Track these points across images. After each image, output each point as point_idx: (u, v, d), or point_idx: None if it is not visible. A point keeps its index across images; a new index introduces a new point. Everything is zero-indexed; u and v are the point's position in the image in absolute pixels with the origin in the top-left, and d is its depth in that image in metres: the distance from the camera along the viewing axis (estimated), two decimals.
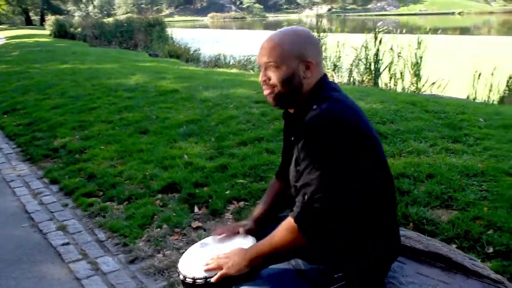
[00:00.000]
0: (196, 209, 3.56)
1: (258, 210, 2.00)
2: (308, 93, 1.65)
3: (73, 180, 4.29)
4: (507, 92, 8.33)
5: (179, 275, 1.77)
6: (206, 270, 1.69)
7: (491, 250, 2.64)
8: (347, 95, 1.68)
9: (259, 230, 1.91)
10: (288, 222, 1.57)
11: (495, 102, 8.10)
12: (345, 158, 1.52)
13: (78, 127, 5.82)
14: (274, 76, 1.64)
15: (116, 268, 2.95)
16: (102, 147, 4.98)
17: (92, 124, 5.86)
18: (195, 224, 3.37)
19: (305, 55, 1.63)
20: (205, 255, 1.83)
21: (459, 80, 9.14)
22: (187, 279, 1.72)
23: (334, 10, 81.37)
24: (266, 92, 1.71)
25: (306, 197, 1.51)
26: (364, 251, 1.66)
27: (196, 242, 3.14)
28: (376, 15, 72.11)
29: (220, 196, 3.63)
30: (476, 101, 8.13)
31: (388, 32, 11.31)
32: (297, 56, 1.62)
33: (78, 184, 4.17)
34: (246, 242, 1.82)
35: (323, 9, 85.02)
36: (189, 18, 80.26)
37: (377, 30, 10.40)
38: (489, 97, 8.48)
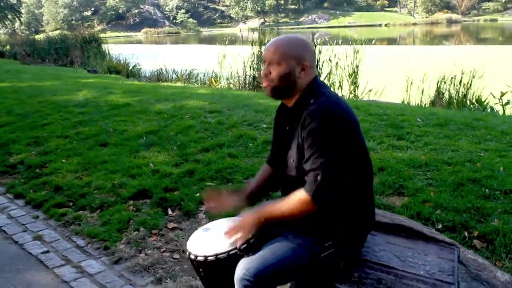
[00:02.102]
0: (170, 212, 3.76)
1: (250, 188, 2.30)
2: (304, 90, 1.98)
3: (39, 193, 4.33)
4: (436, 96, 9.07)
5: (189, 255, 1.99)
6: (231, 243, 1.95)
7: (440, 226, 3.04)
8: (336, 94, 2.02)
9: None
10: (303, 195, 1.87)
11: (427, 105, 8.81)
12: (345, 144, 1.86)
13: (33, 143, 5.80)
14: (274, 71, 1.95)
15: (102, 269, 3.10)
16: (64, 160, 5.03)
17: (47, 140, 5.86)
18: (171, 225, 3.57)
19: (302, 59, 1.96)
20: (209, 237, 2.07)
21: (393, 87, 9.84)
22: (198, 257, 1.95)
23: (267, 23, 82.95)
24: (265, 83, 2.02)
25: (318, 177, 1.83)
26: (351, 222, 1.99)
27: (175, 241, 3.38)
28: (308, 27, 74.44)
29: (191, 199, 3.85)
30: (411, 104, 8.81)
31: (324, 43, 11.92)
32: (295, 58, 1.94)
33: (45, 197, 4.23)
34: None
35: (256, 22, 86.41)
36: (122, 34, 79.06)
37: (315, 41, 10.97)
38: (421, 100, 9.21)
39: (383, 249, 2.24)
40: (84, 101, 7.89)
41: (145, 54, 24.50)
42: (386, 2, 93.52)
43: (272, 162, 2.31)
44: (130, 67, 17.74)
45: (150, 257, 3.16)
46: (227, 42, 12.91)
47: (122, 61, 18.43)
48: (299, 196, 1.89)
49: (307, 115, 1.87)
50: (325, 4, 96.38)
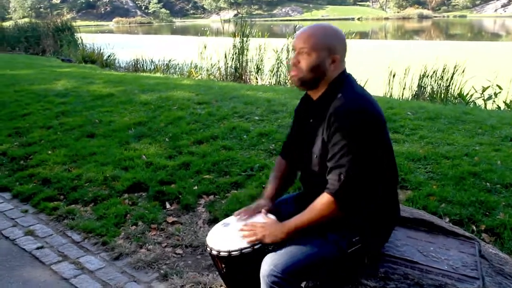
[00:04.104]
0: (168, 205, 3.65)
1: (270, 189, 2.22)
2: (332, 82, 1.90)
3: (26, 186, 4.16)
4: (419, 90, 9.14)
5: (211, 251, 1.91)
6: (242, 236, 1.87)
7: (448, 219, 3.03)
8: (363, 88, 1.95)
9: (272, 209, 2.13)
10: (326, 197, 1.81)
11: (410, 99, 8.87)
12: (371, 142, 1.80)
13: (14, 134, 5.57)
14: (303, 61, 1.87)
15: (102, 265, 2.98)
16: (49, 152, 4.84)
17: (29, 130, 5.64)
18: (171, 219, 3.47)
19: (334, 50, 1.88)
20: (230, 232, 2.00)
21: (375, 80, 9.87)
22: (221, 252, 1.87)
23: (240, 15, 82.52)
24: (293, 73, 1.93)
25: (342, 176, 1.77)
26: (377, 218, 1.95)
27: (176, 236, 3.29)
28: (281, 20, 74.45)
29: (189, 192, 3.75)
30: (393, 98, 8.86)
31: None
32: (327, 49, 1.86)
33: (34, 190, 4.05)
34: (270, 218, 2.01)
35: (230, 14, 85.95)
36: (92, 23, 77.12)
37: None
38: (403, 94, 9.28)
39: (405, 244, 2.20)
40: (64, 90, 7.64)
41: (118, 44, 23.98)
42: None
43: (287, 155, 2.23)
44: (105, 57, 17.37)
45: (152, 253, 3.06)
46: (207, 32, 12.74)
47: (96, 51, 18.01)
48: (321, 200, 1.84)
49: (334, 111, 1.80)
50: None
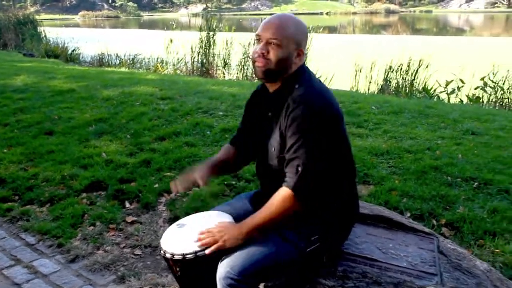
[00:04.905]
0: (127, 204, 3.55)
1: (213, 160, 2.11)
2: (291, 75, 1.84)
3: None
4: (384, 84, 9.23)
5: (164, 254, 1.84)
6: (200, 245, 1.79)
7: (408, 214, 3.04)
8: (320, 81, 1.90)
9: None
10: (284, 191, 1.75)
11: (376, 93, 8.95)
12: (327, 134, 1.75)
13: None
14: (273, 53, 1.80)
15: (57, 269, 2.86)
16: (5, 150, 4.65)
17: None
18: (130, 218, 3.37)
19: (300, 44, 1.84)
20: (185, 234, 1.92)
21: (342, 74, 9.93)
22: (175, 256, 1.80)
23: (209, 9, 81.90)
24: (259, 63, 1.83)
25: (299, 168, 1.72)
26: (335, 216, 1.91)
27: (135, 236, 3.19)
28: (250, 14, 74.24)
29: (150, 190, 3.66)
30: (359, 92, 8.92)
31: None
32: (295, 42, 1.81)
33: None
34: (225, 220, 1.93)
35: (198, 8, 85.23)
36: (57, 16, 75.19)
37: None
38: (369, 88, 9.35)
39: (364, 241, 2.18)
40: (23, 86, 7.38)
41: (84, 38, 23.43)
42: None
43: (236, 144, 2.16)
44: (70, 51, 16.93)
45: (110, 254, 2.96)
46: (174, 26, 12.55)
47: (60, 45, 17.54)
48: (279, 195, 1.77)
49: (291, 103, 1.75)
50: None
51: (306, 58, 10.17)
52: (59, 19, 67.40)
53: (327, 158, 1.77)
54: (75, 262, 2.91)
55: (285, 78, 1.85)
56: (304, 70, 1.88)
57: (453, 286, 1.93)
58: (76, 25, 54.74)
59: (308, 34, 1.93)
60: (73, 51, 17.01)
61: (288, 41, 1.80)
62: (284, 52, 1.79)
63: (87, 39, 21.57)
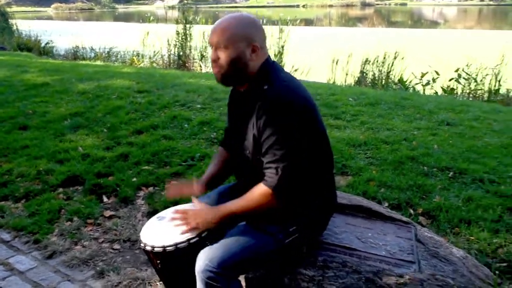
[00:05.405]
0: (105, 199, 3.50)
1: (207, 174, 2.15)
2: (256, 74, 1.82)
3: None
4: (361, 76, 9.31)
5: (144, 247, 1.83)
6: (174, 226, 1.80)
7: (386, 204, 3.08)
8: (291, 75, 1.89)
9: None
10: (264, 189, 1.76)
11: (353, 85, 9.02)
12: (304, 131, 1.75)
13: None
14: (222, 56, 1.78)
15: (33, 265, 2.81)
16: None
17: None
18: (108, 213, 3.33)
19: (252, 39, 1.79)
20: (165, 226, 1.91)
21: (319, 67, 9.97)
22: (155, 248, 1.79)
23: (185, 1, 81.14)
24: (215, 70, 1.84)
25: (279, 170, 1.72)
26: (313, 208, 1.92)
27: (113, 230, 3.16)
28: (227, 7, 73.85)
29: (128, 184, 3.62)
30: (336, 84, 8.98)
31: None
32: (244, 39, 1.77)
33: None
34: None
35: (174, 0, 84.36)
36: (29, 8, 73.52)
37: None
38: (346, 80, 9.41)
39: (344, 231, 2.20)
40: None
41: (57, 30, 22.99)
42: None
43: (227, 145, 2.17)
44: (43, 44, 16.59)
45: (88, 249, 2.92)
46: (151, 18, 12.41)
47: (33, 38, 17.16)
48: (259, 191, 1.78)
49: (262, 104, 1.73)
50: None
51: (282, 51, 10.21)
52: (32, 11, 65.91)
53: (306, 155, 1.77)
54: (53, 258, 2.87)
55: (251, 78, 1.82)
56: (270, 67, 1.84)
57: (431, 273, 1.96)
58: (49, 18, 53.63)
59: (262, 26, 1.88)
60: (46, 44, 16.66)
61: (234, 40, 1.76)
62: (232, 53, 1.77)
63: (60, 32, 21.18)
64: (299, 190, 1.82)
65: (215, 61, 1.81)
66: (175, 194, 2.16)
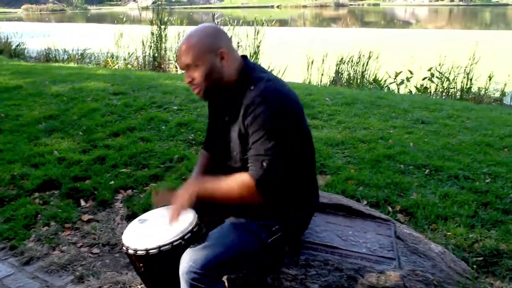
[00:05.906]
0: (82, 203, 3.46)
1: (194, 179, 2.12)
2: (238, 78, 1.82)
3: None
4: (336, 75, 9.39)
5: (127, 250, 1.81)
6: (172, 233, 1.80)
7: (365, 202, 3.12)
8: (274, 75, 1.90)
9: None
10: (247, 179, 1.75)
11: (328, 85, 9.09)
12: (291, 130, 1.77)
13: None
14: (196, 75, 1.79)
15: (10, 272, 2.75)
16: None
17: None
18: (86, 217, 3.29)
19: (217, 47, 1.79)
20: (147, 229, 1.90)
21: (294, 67, 10.01)
22: (138, 251, 1.77)
23: (158, 3, 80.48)
24: (195, 91, 1.85)
25: (264, 163, 1.72)
26: (296, 207, 1.93)
27: (92, 234, 3.12)
28: (201, 7, 73.61)
29: (105, 187, 3.58)
30: (312, 84, 9.04)
31: (225, 23, 11.76)
32: (209, 51, 1.77)
33: None
34: (187, 216, 1.91)
35: (148, 1, 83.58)
36: None
37: (217, 21, 10.80)
38: (321, 80, 9.48)
39: (324, 230, 2.22)
40: None
41: (29, 32, 22.56)
42: None
43: (210, 148, 2.16)
44: (14, 47, 16.25)
45: (66, 254, 2.87)
46: (124, 19, 12.27)
47: (3, 40, 16.79)
48: (242, 179, 1.78)
49: (249, 104, 1.73)
50: None
51: (257, 52, 10.21)
52: (0, 12, 64.56)
53: (292, 152, 1.79)
54: (30, 264, 2.82)
55: (234, 83, 1.82)
56: (250, 69, 1.85)
57: (411, 269, 2.00)
58: (20, 19, 52.51)
59: (222, 29, 1.90)
60: (17, 46, 16.32)
61: (200, 56, 1.77)
62: (204, 68, 1.78)
63: (32, 33, 20.75)
64: (283, 188, 1.82)
65: (191, 82, 1.83)
66: (162, 202, 2.12)
